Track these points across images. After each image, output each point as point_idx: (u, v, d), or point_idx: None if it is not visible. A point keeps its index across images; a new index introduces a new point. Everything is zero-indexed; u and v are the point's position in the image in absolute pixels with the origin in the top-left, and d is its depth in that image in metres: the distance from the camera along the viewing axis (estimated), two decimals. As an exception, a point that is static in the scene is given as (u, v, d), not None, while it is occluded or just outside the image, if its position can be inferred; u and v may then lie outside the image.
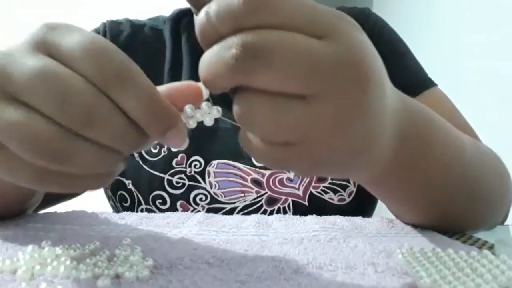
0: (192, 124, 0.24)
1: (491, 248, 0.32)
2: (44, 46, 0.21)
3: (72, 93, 0.20)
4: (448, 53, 1.83)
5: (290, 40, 0.20)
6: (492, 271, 0.23)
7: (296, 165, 0.23)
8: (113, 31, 0.60)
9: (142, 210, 0.51)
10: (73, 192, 0.23)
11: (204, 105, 0.24)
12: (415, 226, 0.38)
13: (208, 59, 0.21)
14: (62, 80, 0.20)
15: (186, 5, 0.65)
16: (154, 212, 0.49)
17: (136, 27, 0.61)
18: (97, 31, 0.62)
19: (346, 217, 0.41)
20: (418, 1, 2.16)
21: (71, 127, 0.20)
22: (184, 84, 0.23)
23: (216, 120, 0.59)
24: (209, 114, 0.24)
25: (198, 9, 0.23)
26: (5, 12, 1.73)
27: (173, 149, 0.51)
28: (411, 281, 0.24)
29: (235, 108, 0.21)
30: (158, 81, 0.58)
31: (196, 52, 0.59)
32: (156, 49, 0.59)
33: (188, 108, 0.23)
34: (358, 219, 0.41)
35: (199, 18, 0.21)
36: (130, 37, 0.60)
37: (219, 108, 0.24)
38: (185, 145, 0.24)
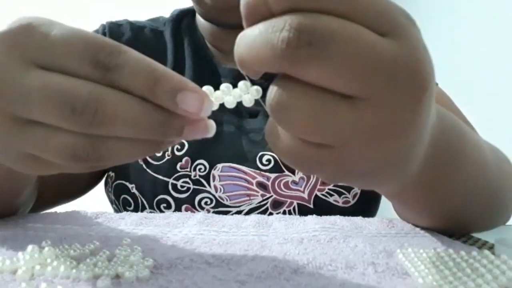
0: (230, 103, 0.23)
1: (491, 248, 0.32)
2: (30, 56, 0.20)
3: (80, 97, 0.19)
4: (448, 53, 1.83)
5: (353, 32, 0.17)
6: (492, 271, 0.23)
7: (325, 170, 0.21)
8: (113, 33, 0.60)
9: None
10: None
11: (241, 84, 0.22)
12: (415, 226, 0.38)
13: (252, 38, 0.18)
14: (67, 91, 0.20)
15: (186, 5, 0.65)
16: None
17: (136, 29, 0.61)
18: (96, 32, 0.61)
19: (346, 217, 0.41)
20: (418, 1, 2.16)
21: (91, 131, 0.20)
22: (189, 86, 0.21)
23: (221, 123, 0.59)
24: (248, 94, 0.22)
25: None
26: (5, 12, 1.74)
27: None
28: (411, 281, 0.24)
29: (271, 97, 0.19)
30: None
31: (199, 55, 0.59)
32: (157, 51, 0.59)
33: (224, 86, 0.22)
34: (358, 219, 0.41)
35: None
36: (131, 40, 0.59)
37: (259, 89, 0.22)
38: (212, 130, 0.22)
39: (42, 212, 0.43)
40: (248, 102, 0.22)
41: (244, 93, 0.23)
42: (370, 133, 0.19)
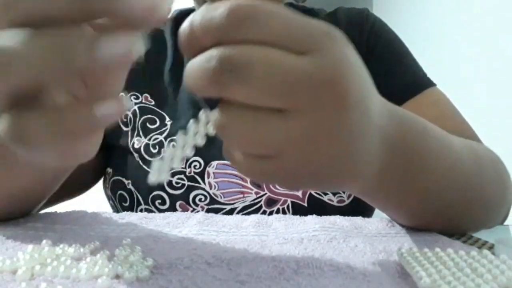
0: (200, 139, 0.24)
1: (491, 248, 0.32)
2: None
3: None
4: (448, 54, 1.83)
5: (268, 55, 0.20)
6: (492, 271, 0.23)
7: (277, 179, 0.24)
8: None
9: (141, 210, 0.51)
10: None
11: (202, 115, 0.24)
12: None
13: (191, 68, 0.21)
14: None
15: (186, 6, 0.65)
16: (154, 212, 0.49)
17: None
18: None
19: (346, 217, 0.41)
20: (417, 1, 2.16)
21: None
22: None
23: None
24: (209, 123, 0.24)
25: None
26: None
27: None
28: (411, 281, 0.24)
29: (217, 119, 0.22)
30: (159, 81, 0.59)
31: None
32: (157, 49, 0.59)
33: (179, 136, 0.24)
34: (358, 219, 0.41)
35: (183, 28, 0.21)
36: None
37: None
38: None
39: (42, 212, 0.43)
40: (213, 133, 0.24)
41: (205, 124, 0.24)
42: (303, 140, 0.21)
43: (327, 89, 0.20)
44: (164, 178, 0.23)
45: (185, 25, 0.21)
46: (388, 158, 0.27)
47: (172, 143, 0.24)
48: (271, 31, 0.20)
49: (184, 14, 0.64)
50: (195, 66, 0.20)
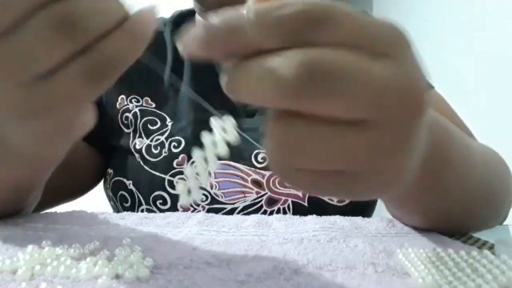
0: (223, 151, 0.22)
1: (491, 248, 0.32)
2: None
3: None
4: (447, 54, 1.83)
5: (357, 62, 0.17)
6: (492, 271, 0.23)
7: (342, 192, 0.22)
8: None
9: (142, 211, 0.51)
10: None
11: (219, 129, 0.22)
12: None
13: (248, 73, 0.18)
14: None
15: (187, 7, 0.65)
16: (155, 212, 0.49)
17: None
18: None
19: (346, 217, 0.41)
20: (417, 2, 2.16)
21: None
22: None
23: None
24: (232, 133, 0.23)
25: (206, 7, 0.21)
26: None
27: None
28: (411, 281, 0.24)
29: (274, 134, 0.19)
30: (159, 83, 0.59)
31: None
32: (157, 51, 0.59)
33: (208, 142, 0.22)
34: (358, 219, 0.41)
35: (229, 20, 0.18)
36: None
37: (232, 120, 0.23)
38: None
39: (42, 212, 0.43)
40: (235, 141, 0.22)
41: (227, 136, 0.23)
42: (382, 152, 0.19)
43: (408, 97, 0.19)
44: (196, 197, 0.21)
45: (234, 16, 0.18)
46: (422, 164, 0.26)
47: (193, 164, 0.22)
48: (348, 32, 0.17)
49: (184, 15, 0.64)
50: (258, 70, 0.17)
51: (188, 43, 0.19)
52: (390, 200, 0.32)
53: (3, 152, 0.30)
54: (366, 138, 0.19)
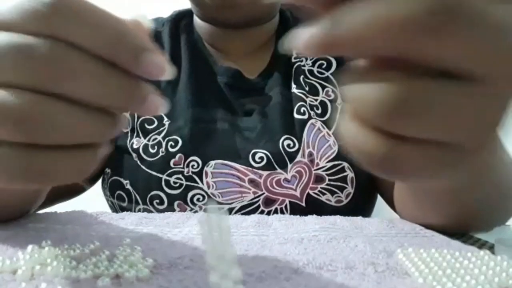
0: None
1: (491, 248, 0.32)
2: None
3: (25, 50, 0.18)
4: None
5: (491, 10, 0.15)
6: (492, 271, 0.23)
7: (446, 169, 0.18)
8: None
9: (139, 210, 0.51)
10: (62, 182, 0.21)
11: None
12: (415, 226, 0.39)
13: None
14: (11, 43, 0.18)
15: (186, 6, 0.65)
16: (152, 212, 0.49)
17: None
18: None
19: (346, 217, 0.41)
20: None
21: (40, 88, 0.19)
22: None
23: (214, 120, 0.59)
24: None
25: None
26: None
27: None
28: (411, 281, 0.24)
29: (392, 100, 0.16)
30: (157, 85, 0.58)
31: (195, 53, 0.60)
32: None
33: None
34: (358, 219, 0.41)
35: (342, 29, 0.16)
36: None
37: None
38: (163, 108, 0.22)
39: (42, 212, 0.43)
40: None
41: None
42: (493, 118, 0.17)
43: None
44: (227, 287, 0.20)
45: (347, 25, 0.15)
46: None
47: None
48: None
49: (182, 15, 0.64)
50: (376, 93, 0.16)
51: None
52: (432, 189, 0.31)
53: None
54: (484, 99, 0.16)
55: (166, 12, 0.67)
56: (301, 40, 0.17)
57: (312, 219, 0.40)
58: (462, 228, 0.37)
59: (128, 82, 0.20)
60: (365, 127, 0.17)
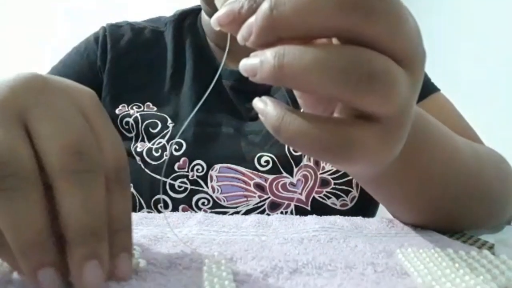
0: None
1: (491, 248, 0.32)
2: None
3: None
4: (447, 54, 1.83)
5: (392, 66, 0.20)
6: (492, 271, 0.23)
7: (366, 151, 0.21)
8: (114, 35, 0.60)
9: (142, 213, 0.51)
10: None
11: None
12: (415, 226, 0.39)
13: (305, 60, 0.19)
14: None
15: (188, 6, 0.65)
16: None
17: (136, 30, 0.61)
18: (96, 35, 0.61)
19: (346, 217, 0.41)
20: (417, 2, 2.15)
21: None
22: None
23: (219, 124, 0.59)
24: None
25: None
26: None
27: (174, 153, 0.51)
28: (411, 281, 0.24)
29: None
30: (161, 88, 0.58)
31: (200, 56, 0.59)
32: (157, 52, 0.59)
33: None
34: (358, 219, 0.41)
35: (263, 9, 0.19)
36: (131, 41, 0.59)
37: None
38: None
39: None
40: None
41: None
42: (413, 98, 0.22)
43: (420, 46, 0.21)
44: None
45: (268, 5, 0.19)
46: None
47: None
48: (390, 37, 0.19)
49: (185, 15, 0.64)
50: (318, 60, 0.18)
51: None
52: (370, 183, 0.33)
53: None
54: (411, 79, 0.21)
55: (166, 11, 0.67)
56: (246, 30, 0.20)
57: (312, 219, 0.40)
58: (445, 225, 0.37)
59: None
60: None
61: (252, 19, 0.20)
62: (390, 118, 0.21)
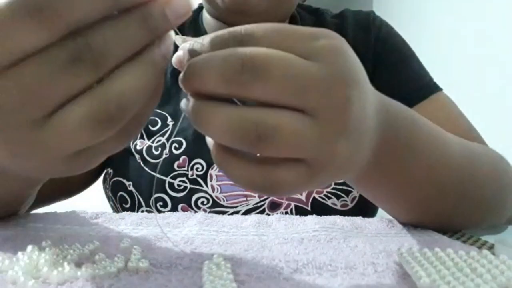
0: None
1: (491, 248, 0.32)
2: None
3: None
4: (447, 54, 1.83)
5: (284, 57, 0.21)
6: (492, 271, 0.23)
7: (305, 181, 0.24)
8: None
9: (142, 212, 0.51)
10: None
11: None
12: (415, 226, 0.39)
13: (201, 65, 0.22)
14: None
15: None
16: None
17: None
18: None
19: (346, 217, 0.41)
20: (416, 2, 2.16)
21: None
22: None
23: None
24: None
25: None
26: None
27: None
28: (411, 281, 0.24)
29: (253, 128, 0.21)
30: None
31: None
32: None
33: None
34: (358, 219, 0.41)
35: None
36: None
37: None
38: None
39: (42, 212, 0.43)
40: None
41: None
42: (330, 140, 0.22)
43: (333, 93, 0.22)
44: None
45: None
46: (378, 146, 0.28)
47: None
48: (284, 37, 0.22)
49: None
50: (211, 63, 0.21)
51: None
52: (355, 183, 0.34)
53: None
54: (316, 128, 0.22)
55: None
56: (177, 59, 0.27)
57: (312, 219, 0.40)
58: (442, 225, 0.38)
59: None
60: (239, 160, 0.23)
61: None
62: (312, 158, 0.22)
